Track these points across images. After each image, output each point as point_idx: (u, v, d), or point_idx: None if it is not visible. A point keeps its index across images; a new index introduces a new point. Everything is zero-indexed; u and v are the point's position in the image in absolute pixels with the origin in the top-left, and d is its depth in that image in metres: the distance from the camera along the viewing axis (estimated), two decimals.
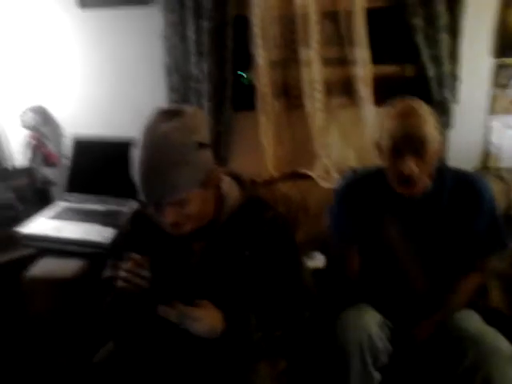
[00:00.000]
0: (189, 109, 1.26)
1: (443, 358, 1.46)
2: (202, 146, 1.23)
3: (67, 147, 2.34)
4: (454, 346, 1.43)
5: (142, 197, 1.24)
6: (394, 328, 1.55)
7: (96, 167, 2.21)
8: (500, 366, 1.34)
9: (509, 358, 1.35)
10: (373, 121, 2.06)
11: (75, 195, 2.23)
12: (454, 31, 1.94)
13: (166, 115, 1.23)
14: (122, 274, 1.25)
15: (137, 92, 2.33)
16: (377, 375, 1.46)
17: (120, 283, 1.25)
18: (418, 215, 1.54)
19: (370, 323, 1.47)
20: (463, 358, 1.38)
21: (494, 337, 1.40)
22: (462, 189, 1.53)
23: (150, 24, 2.17)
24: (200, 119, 1.27)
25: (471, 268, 1.59)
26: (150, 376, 1.37)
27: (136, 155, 1.22)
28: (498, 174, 1.96)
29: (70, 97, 2.40)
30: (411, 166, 1.41)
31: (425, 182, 1.48)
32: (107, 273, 1.46)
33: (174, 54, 2.16)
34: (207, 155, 1.25)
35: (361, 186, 1.62)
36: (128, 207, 2.00)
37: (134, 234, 1.43)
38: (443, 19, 1.90)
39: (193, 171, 1.21)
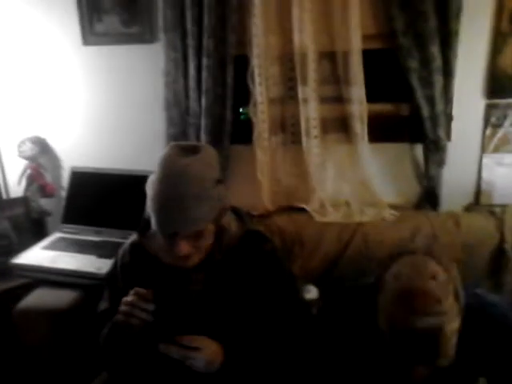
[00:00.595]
0: (205, 146, 1.33)
1: None
2: (218, 181, 1.28)
3: (65, 179, 2.35)
4: None
5: (158, 227, 1.26)
6: None
7: (93, 199, 2.23)
8: None
9: None
10: (368, 157, 2.10)
11: (71, 226, 2.23)
12: (447, 73, 1.99)
13: (185, 150, 1.28)
14: (126, 308, 1.26)
15: (136, 126, 2.36)
16: None
17: (122, 317, 1.26)
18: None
19: None
20: None
21: None
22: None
23: (152, 60, 2.22)
24: (215, 156, 1.33)
25: None
26: None
27: (154, 186, 1.25)
28: (491, 211, 1.99)
29: (70, 129, 2.43)
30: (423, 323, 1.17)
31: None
32: (103, 305, 1.47)
33: (174, 89, 2.20)
34: (223, 191, 1.31)
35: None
36: (125, 238, 2.00)
37: (132, 265, 1.44)
38: (437, 61, 1.96)
39: (211, 205, 1.26)
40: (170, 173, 1.24)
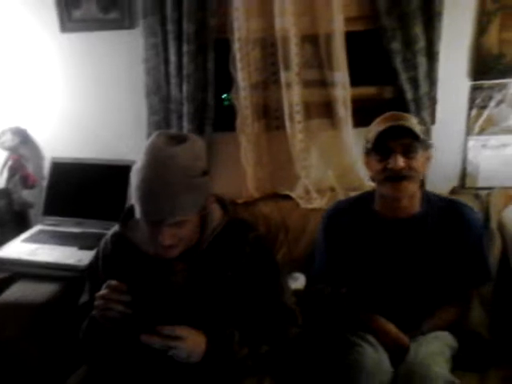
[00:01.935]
0: (192, 136, 1.33)
1: None
2: (205, 172, 1.29)
3: (47, 169, 2.31)
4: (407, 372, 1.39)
5: (143, 214, 1.25)
6: None
7: (74, 190, 2.20)
8: None
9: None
10: (352, 142, 2.08)
11: (52, 218, 2.20)
12: (431, 54, 1.96)
13: (172, 139, 1.27)
14: (100, 302, 1.24)
15: (117, 114, 2.32)
16: None
17: (98, 312, 1.25)
18: (403, 240, 1.54)
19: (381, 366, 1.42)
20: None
21: (427, 365, 1.36)
22: (451, 216, 1.54)
23: (131, 47, 2.18)
24: (202, 146, 1.33)
25: (455, 297, 1.57)
26: None
27: (140, 173, 1.23)
28: (476, 194, 1.98)
29: (50, 118, 2.39)
30: (398, 159, 1.43)
31: (412, 189, 1.49)
32: (84, 297, 1.46)
33: (155, 76, 2.16)
34: (209, 181, 1.32)
35: (343, 217, 1.63)
36: (107, 229, 1.97)
37: (114, 256, 1.43)
38: (420, 43, 1.93)
39: (198, 195, 1.27)
40: (158, 160, 1.22)
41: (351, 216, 1.62)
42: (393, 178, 1.46)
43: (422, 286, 1.53)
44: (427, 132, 2.01)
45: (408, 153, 1.45)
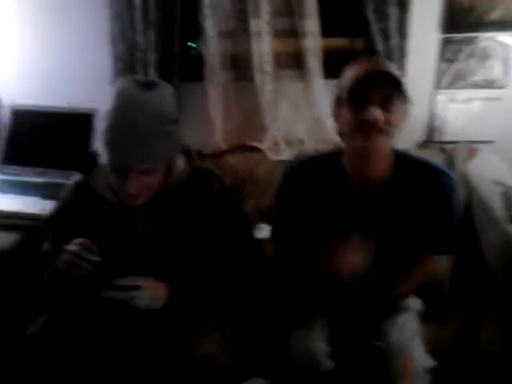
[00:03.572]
0: (161, 82, 1.29)
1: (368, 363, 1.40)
2: (175, 121, 1.27)
3: (6, 117, 2.22)
4: (373, 356, 1.37)
5: (112, 159, 1.22)
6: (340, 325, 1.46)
7: (35, 138, 2.14)
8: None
9: (420, 372, 1.31)
10: (322, 94, 2.05)
11: (12, 167, 2.14)
12: (402, 5, 1.94)
13: (142, 85, 1.23)
14: (69, 257, 1.23)
15: (80, 61, 2.23)
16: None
17: (65, 266, 1.24)
18: (373, 206, 1.39)
19: (319, 348, 1.38)
20: (379, 369, 1.34)
21: (409, 351, 1.32)
22: (424, 182, 1.39)
23: None
24: (172, 95, 1.30)
25: (420, 263, 1.47)
26: (89, 348, 1.34)
27: (110, 117, 1.20)
28: (441, 148, 1.99)
29: (8, 64, 2.28)
30: (376, 111, 1.25)
31: (385, 145, 1.32)
32: (47, 245, 1.43)
33: (120, 22, 2.08)
34: (178, 130, 1.30)
35: (309, 177, 1.44)
36: (69, 179, 1.93)
37: (77, 205, 1.40)
38: None
39: (168, 143, 1.25)
40: (127, 105, 1.20)
41: (317, 174, 1.43)
42: (366, 130, 1.27)
43: (390, 253, 1.41)
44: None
45: (387, 104, 1.26)
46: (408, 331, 1.38)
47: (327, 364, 1.37)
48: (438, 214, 1.41)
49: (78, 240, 1.25)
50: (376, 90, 1.26)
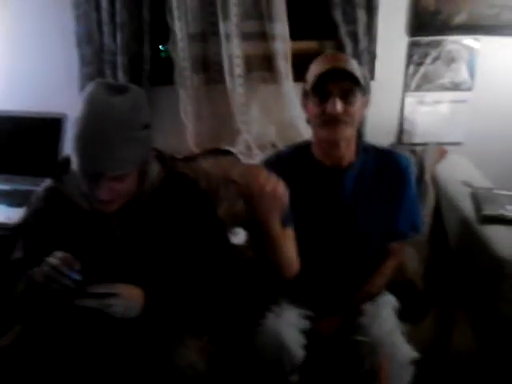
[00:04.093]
0: (133, 87, 1.27)
1: (347, 358, 1.43)
2: (146, 126, 1.25)
3: None
4: (354, 350, 1.40)
5: (81, 166, 1.20)
6: (315, 317, 1.51)
7: (1, 144, 2.09)
8: (395, 373, 1.35)
9: (404, 363, 1.35)
10: (293, 96, 2.06)
11: None
12: (370, 8, 1.97)
13: (112, 90, 1.21)
14: (48, 270, 1.20)
15: (46, 65, 2.18)
16: (294, 377, 1.42)
17: (42, 279, 1.21)
18: (341, 188, 1.50)
19: (288, 334, 1.39)
20: (362, 362, 1.37)
21: (391, 343, 1.36)
22: (386, 165, 1.53)
23: None
24: (143, 99, 1.28)
25: (389, 251, 1.58)
26: (63, 358, 1.31)
27: (79, 124, 1.18)
28: (411, 149, 2.02)
29: None
30: (336, 103, 1.37)
31: (349, 133, 1.44)
32: (18, 253, 1.40)
33: (86, 24, 2.04)
34: (150, 135, 1.29)
35: (283, 165, 1.53)
36: (37, 185, 1.88)
37: (47, 211, 1.37)
38: None
39: (140, 149, 1.23)
40: (97, 111, 1.18)
41: (290, 164, 1.55)
42: (330, 121, 1.41)
43: (360, 235, 1.52)
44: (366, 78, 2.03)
45: (346, 97, 1.39)
46: (388, 325, 1.42)
47: (299, 354, 1.39)
48: (400, 195, 1.53)
49: (60, 254, 1.22)
50: (336, 84, 1.39)
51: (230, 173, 2.00)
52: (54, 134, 2.00)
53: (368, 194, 1.52)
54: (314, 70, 1.44)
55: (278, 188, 1.27)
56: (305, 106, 1.51)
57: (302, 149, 1.57)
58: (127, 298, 1.24)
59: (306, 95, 1.49)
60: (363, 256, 1.54)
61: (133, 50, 2.05)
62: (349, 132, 1.44)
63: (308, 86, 1.45)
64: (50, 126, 2.04)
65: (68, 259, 1.21)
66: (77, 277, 1.20)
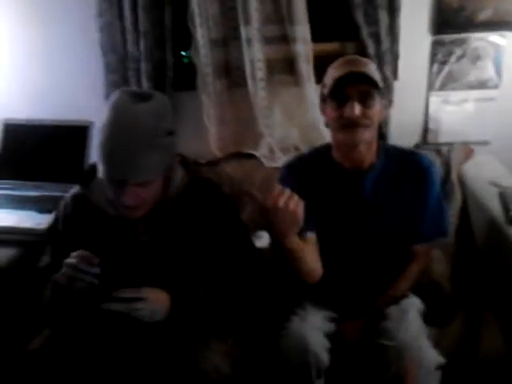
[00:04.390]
0: (157, 94, 1.28)
1: (372, 362, 1.40)
2: (170, 132, 1.26)
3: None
4: (380, 354, 1.37)
5: (106, 173, 1.22)
6: (339, 319, 1.51)
7: (28, 152, 2.13)
8: (422, 378, 1.32)
9: (431, 368, 1.33)
10: (315, 99, 2.05)
11: (7, 182, 2.13)
12: (392, 8, 1.94)
13: (136, 97, 1.23)
14: (68, 270, 1.23)
15: (72, 73, 2.23)
16: (321, 382, 1.40)
17: (65, 280, 1.24)
18: (362, 190, 1.49)
19: (313, 338, 1.38)
20: (388, 367, 1.34)
21: (418, 348, 1.34)
22: (409, 167, 1.51)
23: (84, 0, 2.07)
24: (167, 105, 1.29)
25: (414, 254, 1.56)
26: (91, 361, 1.33)
27: (104, 131, 1.20)
28: (437, 150, 1.98)
29: (1, 80, 2.27)
30: (355, 107, 1.36)
31: (368, 136, 1.43)
32: (45, 259, 1.43)
33: (110, 32, 2.08)
34: (174, 142, 1.30)
35: (304, 168, 1.56)
36: (65, 192, 1.93)
37: (75, 218, 1.40)
38: None
39: (164, 156, 1.24)
40: (121, 118, 1.20)
41: (311, 167, 1.56)
42: (348, 125, 1.40)
43: (382, 237, 1.51)
44: (388, 88, 2.02)
45: (365, 100, 1.38)
46: (414, 328, 1.40)
47: (324, 358, 1.37)
48: (425, 198, 1.51)
49: (77, 252, 1.24)
50: (354, 87, 1.38)
51: (253, 177, 2.01)
52: (81, 141, 2.04)
53: (389, 195, 1.50)
54: (332, 74, 1.44)
55: (290, 203, 1.26)
56: (323, 110, 1.51)
57: (323, 152, 1.57)
58: (153, 302, 1.26)
59: (323, 99, 1.49)
60: (385, 258, 1.53)
61: (156, 57, 2.07)
62: (368, 135, 1.43)
63: (326, 91, 1.45)
64: (77, 133, 2.08)
65: (85, 255, 1.24)
66: (95, 270, 1.22)
